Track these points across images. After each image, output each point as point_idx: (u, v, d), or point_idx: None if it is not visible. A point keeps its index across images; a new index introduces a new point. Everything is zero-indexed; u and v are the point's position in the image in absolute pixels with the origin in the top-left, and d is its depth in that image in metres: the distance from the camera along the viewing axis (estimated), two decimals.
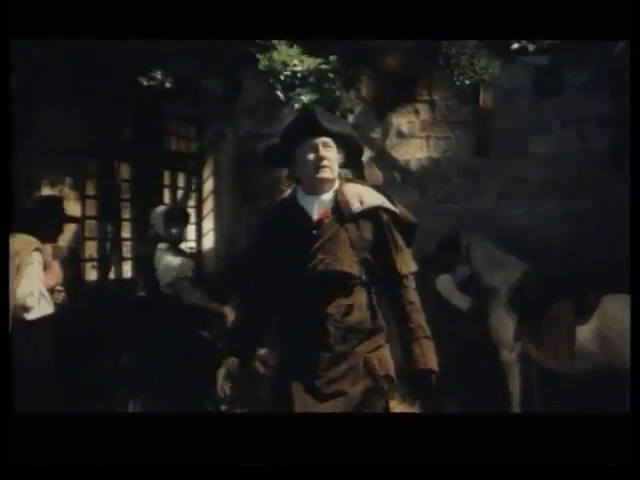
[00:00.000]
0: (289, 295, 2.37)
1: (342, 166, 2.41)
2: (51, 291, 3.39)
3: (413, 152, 5.42)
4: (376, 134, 5.46)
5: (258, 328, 2.50)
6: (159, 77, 3.85)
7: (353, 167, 2.71)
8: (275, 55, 3.34)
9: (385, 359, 2.36)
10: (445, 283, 4.74)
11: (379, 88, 5.34)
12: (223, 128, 5.28)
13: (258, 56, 3.46)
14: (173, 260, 4.16)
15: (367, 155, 5.56)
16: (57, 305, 3.42)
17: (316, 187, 2.39)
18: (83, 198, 4.80)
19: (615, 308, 4.05)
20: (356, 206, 2.32)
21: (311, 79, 3.61)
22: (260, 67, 3.54)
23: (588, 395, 4.12)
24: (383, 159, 5.50)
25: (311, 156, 2.34)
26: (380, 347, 2.35)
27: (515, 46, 3.93)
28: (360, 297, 2.32)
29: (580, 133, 5.11)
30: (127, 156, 5.37)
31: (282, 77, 3.37)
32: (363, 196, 2.37)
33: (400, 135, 5.40)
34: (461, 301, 4.68)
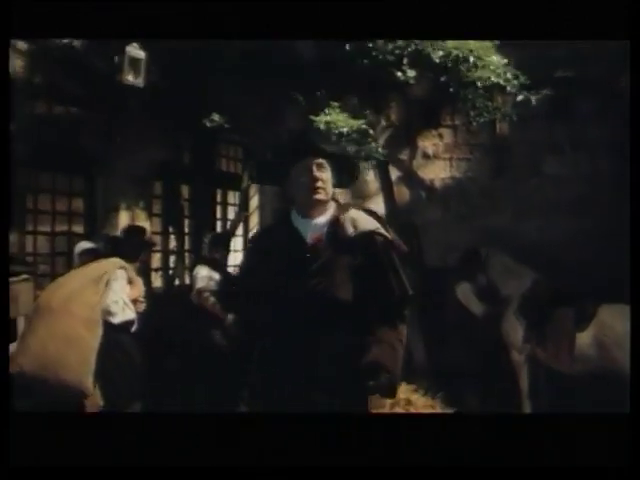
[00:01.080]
0: (281, 317, 2.19)
1: (336, 186, 2.32)
2: (134, 301, 3.96)
3: (437, 172, 5.89)
4: (404, 156, 5.93)
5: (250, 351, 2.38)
6: (217, 120, 4.48)
7: (349, 187, 2.60)
8: (328, 119, 4.02)
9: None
10: (464, 291, 5.07)
11: (407, 114, 5.66)
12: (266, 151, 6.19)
13: (313, 118, 4.01)
14: (202, 274, 4.68)
15: (395, 175, 5.92)
16: (139, 313, 4.04)
17: (310, 209, 2.27)
18: (151, 216, 5.34)
19: (611, 318, 4.30)
20: (350, 231, 2.22)
21: (354, 135, 4.22)
22: (321, 128, 4.11)
23: (589, 394, 4.31)
24: (410, 179, 5.96)
25: (304, 177, 2.23)
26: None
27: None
28: (355, 323, 2.17)
29: (589, 156, 5.40)
30: (187, 178, 5.83)
31: (333, 136, 3.99)
32: (357, 221, 2.27)
33: (425, 157, 5.88)
34: (477, 308, 5.01)
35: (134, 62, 4.23)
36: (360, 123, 4.27)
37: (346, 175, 2.43)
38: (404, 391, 5.17)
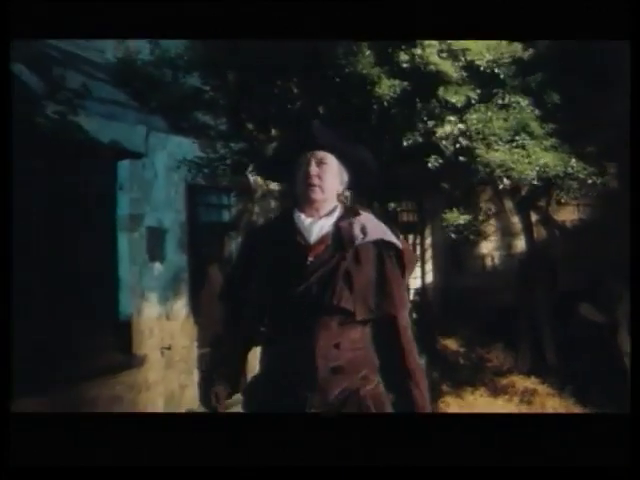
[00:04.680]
0: (277, 322, 1.81)
1: (349, 188, 1.87)
2: None
3: (568, 215, 6.68)
4: (542, 203, 6.53)
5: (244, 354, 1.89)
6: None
7: (362, 190, 2.00)
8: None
9: (380, 398, 1.79)
10: (587, 308, 5.56)
11: None
12: None
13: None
14: None
15: (534, 218, 6.48)
16: None
17: (308, 208, 1.80)
18: None
19: None
20: (360, 237, 1.78)
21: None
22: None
23: None
24: (547, 221, 6.58)
25: (301, 173, 1.78)
26: (374, 386, 1.78)
27: None
28: (354, 333, 1.77)
29: None
30: None
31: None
32: (367, 226, 1.81)
33: (559, 203, 6.43)
34: (598, 317, 5.36)
35: None
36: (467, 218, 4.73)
37: (362, 175, 1.89)
38: (533, 382, 5.40)
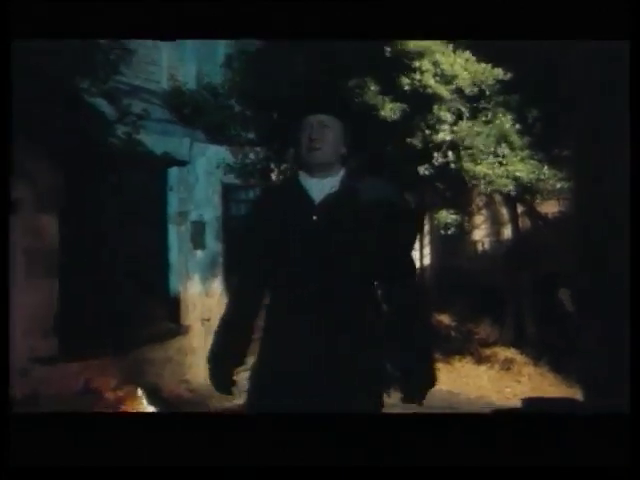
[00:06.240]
0: (285, 281, 1.69)
1: (348, 149, 1.74)
2: None
3: (550, 208, 7.03)
4: (527, 196, 6.58)
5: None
6: None
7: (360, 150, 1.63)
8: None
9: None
10: (564, 293, 5.72)
11: None
12: None
13: None
14: None
15: (520, 209, 6.71)
16: None
17: (312, 170, 1.68)
18: None
19: None
20: (364, 196, 1.69)
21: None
22: None
23: None
24: (531, 212, 6.94)
25: (304, 136, 1.68)
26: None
27: None
28: (363, 292, 1.67)
29: None
30: None
31: None
32: (370, 185, 1.73)
33: (542, 197, 6.73)
34: (570, 307, 5.52)
35: None
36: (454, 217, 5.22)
37: (357, 136, 1.82)
38: (512, 353, 5.56)
